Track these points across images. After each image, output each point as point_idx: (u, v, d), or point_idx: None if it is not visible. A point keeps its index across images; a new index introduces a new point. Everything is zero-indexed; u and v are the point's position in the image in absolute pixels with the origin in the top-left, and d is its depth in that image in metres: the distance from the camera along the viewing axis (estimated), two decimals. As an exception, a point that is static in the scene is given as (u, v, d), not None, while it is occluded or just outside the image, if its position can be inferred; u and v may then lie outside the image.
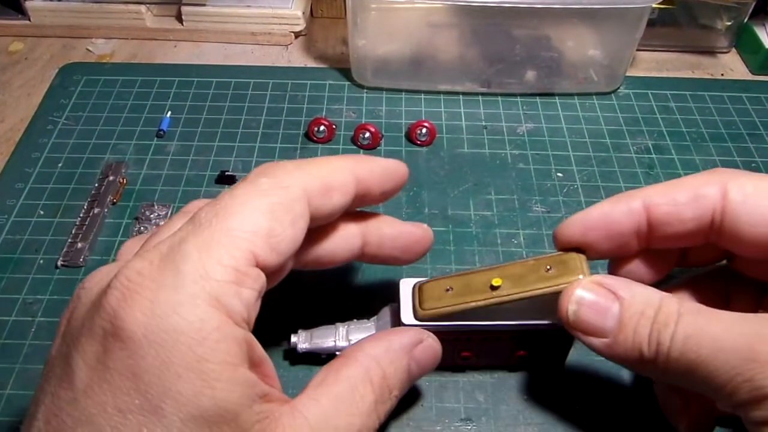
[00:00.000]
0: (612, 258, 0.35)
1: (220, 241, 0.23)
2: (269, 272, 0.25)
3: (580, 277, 0.33)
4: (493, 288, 0.35)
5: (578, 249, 0.35)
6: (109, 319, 0.22)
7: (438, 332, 0.37)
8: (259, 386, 0.23)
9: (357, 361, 0.28)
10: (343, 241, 0.32)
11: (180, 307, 0.22)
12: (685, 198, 0.30)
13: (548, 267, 0.35)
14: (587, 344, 0.31)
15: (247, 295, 0.23)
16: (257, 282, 0.24)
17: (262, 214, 0.24)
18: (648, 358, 0.28)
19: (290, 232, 0.25)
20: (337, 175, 0.28)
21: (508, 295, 0.34)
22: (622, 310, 0.29)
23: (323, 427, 0.25)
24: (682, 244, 0.32)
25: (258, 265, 0.24)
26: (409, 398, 0.40)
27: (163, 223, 0.50)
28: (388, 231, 0.34)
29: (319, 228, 0.30)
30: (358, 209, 0.34)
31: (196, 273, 0.22)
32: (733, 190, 0.29)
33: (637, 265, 0.34)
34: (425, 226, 0.36)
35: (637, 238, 0.33)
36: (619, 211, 0.32)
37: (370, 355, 0.28)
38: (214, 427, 0.21)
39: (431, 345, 0.32)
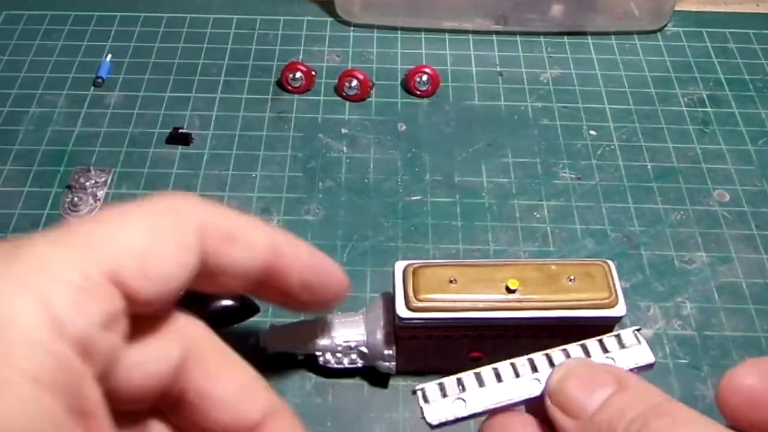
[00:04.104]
0: None
1: (73, 243, 0.22)
2: (135, 302, 0.23)
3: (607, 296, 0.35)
4: (510, 291, 0.36)
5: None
6: None
7: (442, 326, 0.36)
8: None
9: None
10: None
11: None
12: None
13: (571, 277, 0.36)
14: None
15: (91, 310, 0.21)
16: (112, 302, 0.22)
17: (139, 231, 0.24)
18: None
19: (173, 262, 0.24)
20: (249, 231, 0.27)
21: (529, 302, 0.35)
22: None
23: None
24: None
25: (118, 286, 0.23)
26: (405, 408, 0.40)
27: (101, 192, 0.49)
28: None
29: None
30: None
31: (33, 263, 0.21)
32: None
33: None
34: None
35: None
36: None
37: None
38: None
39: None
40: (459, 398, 0.31)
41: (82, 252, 0.22)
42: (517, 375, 0.31)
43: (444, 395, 0.31)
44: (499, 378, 0.31)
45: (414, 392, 0.31)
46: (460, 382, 0.31)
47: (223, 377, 0.27)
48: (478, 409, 0.30)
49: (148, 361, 0.26)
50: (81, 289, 0.21)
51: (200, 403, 0.26)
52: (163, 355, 0.26)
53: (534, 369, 0.31)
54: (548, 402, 0.29)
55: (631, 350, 0.32)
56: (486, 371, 0.31)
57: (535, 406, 0.31)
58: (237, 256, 0.26)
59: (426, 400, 0.30)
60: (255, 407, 0.27)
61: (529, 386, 0.31)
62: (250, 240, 0.27)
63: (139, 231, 0.24)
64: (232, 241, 0.26)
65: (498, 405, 0.30)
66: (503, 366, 0.31)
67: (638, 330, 0.32)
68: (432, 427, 0.31)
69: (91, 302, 0.22)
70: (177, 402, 0.27)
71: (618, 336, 0.32)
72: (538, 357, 0.31)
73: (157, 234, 0.24)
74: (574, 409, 0.28)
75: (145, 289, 0.23)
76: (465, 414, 0.30)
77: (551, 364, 0.31)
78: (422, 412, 0.30)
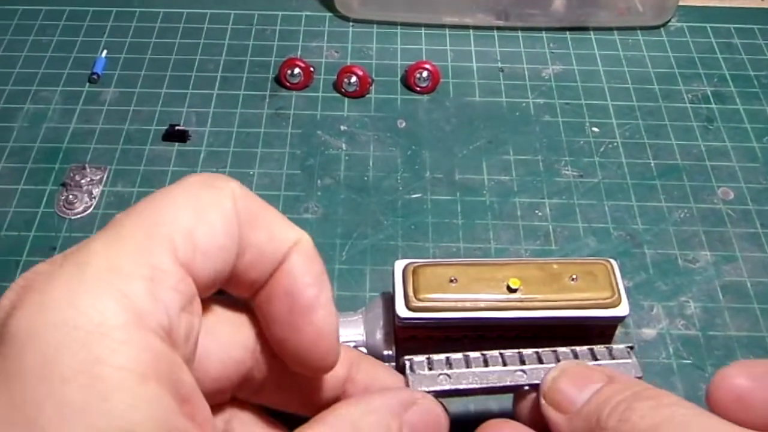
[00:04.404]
0: None
1: (132, 234, 0.23)
2: (196, 279, 0.24)
3: (609, 295, 0.35)
4: (511, 290, 0.35)
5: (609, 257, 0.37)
6: None
7: (442, 327, 0.36)
8: (180, 422, 0.21)
9: (327, 426, 0.27)
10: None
11: (77, 298, 0.21)
12: None
13: (573, 276, 0.36)
14: None
15: (166, 296, 0.22)
16: (182, 283, 0.23)
17: (183, 208, 0.24)
18: None
19: (220, 232, 0.25)
20: (276, 221, 0.26)
21: (531, 302, 0.35)
22: None
23: None
24: None
25: (184, 266, 0.23)
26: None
27: (96, 190, 0.49)
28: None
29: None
30: None
31: (101, 265, 0.22)
32: None
33: None
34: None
35: None
36: None
37: (345, 419, 0.27)
38: None
39: (430, 409, 0.30)
40: (444, 374, 0.31)
41: (141, 242, 0.23)
42: (504, 364, 0.32)
43: (430, 369, 0.32)
44: (486, 363, 0.32)
45: (402, 362, 0.32)
46: (448, 360, 0.32)
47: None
48: (461, 386, 0.31)
49: (221, 350, 0.27)
50: (152, 278, 0.22)
51: (294, 379, 0.27)
52: (235, 340, 0.27)
53: (522, 362, 0.32)
54: (543, 402, 0.30)
55: (619, 362, 0.32)
56: (474, 355, 0.32)
57: (527, 415, 0.31)
58: (257, 242, 0.26)
59: (412, 369, 0.31)
60: (340, 364, 0.28)
61: (513, 376, 0.31)
62: (275, 230, 0.26)
63: (185, 209, 0.24)
64: (255, 224, 0.26)
65: (481, 386, 0.31)
66: (492, 353, 0.32)
67: (631, 348, 0.33)
68: None
69: (165, 289, 0.22)
70: (262, 386, 0.27)
71: (609, 348, 0.32)
72: (528, 352, 0.32)
73: (202, 209, 0.24)
74: (566, 405, 0.29)
75: (202, 263, 0.24)
76: (447, 388, 0.31)
77: (539, 360, 0.32)
78: (407, 381, 0.31)
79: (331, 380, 0.29)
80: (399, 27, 0.60)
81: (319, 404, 0.29)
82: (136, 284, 0.22)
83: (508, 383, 0.31)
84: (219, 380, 0.26)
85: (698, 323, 0.43)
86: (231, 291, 0.26)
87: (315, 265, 0.27)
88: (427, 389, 0.31)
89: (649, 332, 0.43)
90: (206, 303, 0.26)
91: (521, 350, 0.32)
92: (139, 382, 0.20)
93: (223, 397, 0.27)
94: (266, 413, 0.29)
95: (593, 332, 0.38)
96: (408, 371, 0.32)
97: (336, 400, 0.29)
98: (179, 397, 0.22)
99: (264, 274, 0.26)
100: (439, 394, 0.31)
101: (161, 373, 0.21)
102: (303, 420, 0.26)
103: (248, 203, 0.26)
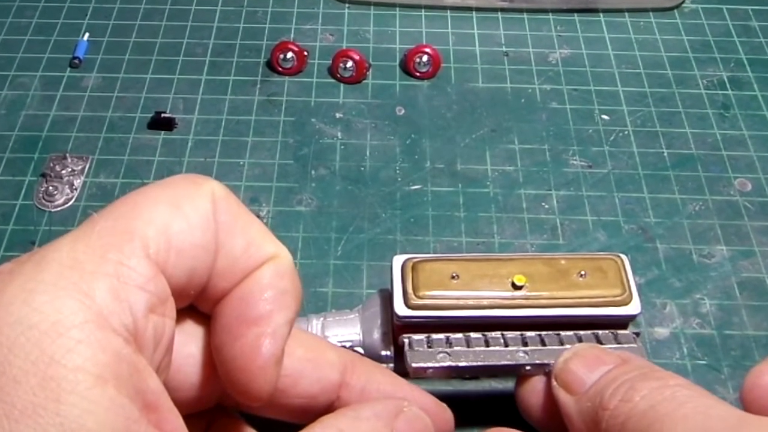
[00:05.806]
0: None
1: (102, 231, 0.23)
2: (170, 279, 0.24)
3: (620, 293, 0.35)
4: (516, 287, 0.35)
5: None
6: None
7: (443, 325, 0.36)
8: (142, 430, 0.21)
9: None
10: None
11: (33, 296, 0.21)
12: None
13: (582, 272, 0.36)
14: None
15: (132, 296, 0.22)
16: (152, 283, 0.23)
17: (159, 203, 0.24)
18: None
19: (197, 227, 0.25)
20: (256, 229, 0.26)
21: (537, 299, 0.35)
22: None
23: None
24: None
25: (157, 265, 0.23)
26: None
27: (78, 181, 0.49)
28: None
29: None
30: None
31: (63, 262, 0.22)
32: None
33: None
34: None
35: None
36: None
37: (334, 427, 0.27)
38: None
39: (417, 415, 0.30)
40: (443, 352, 0.33)
41: (110, 238, 0.23)
42: (506, 345, 0.33)
43: (429, 347, 0.33)
44: (487, 344, 0.33)
45: (401, 341, 0.34)
46: (447, 339, 0.33)
47: (295, 352, 0.28)
48: (461, 365, 0.33)
49: (203, 357, 0.26)
50: (117, 276, 0.22)
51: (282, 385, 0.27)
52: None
53: (524, 344, 0.33)
54: (554, 383, 0.31)
55: (624, 347, 0.33)
56: (475, 335, 0.34)
57: (529, 399, 0.33)
58: (232, 249, 0.26)
59: (411, 347, 0.33)
60: (333, 369, 0.29)
61: (515, 356, 0.33)
62: (253, 240, 0.26)
63: (161, 204, 0.24)
64: (233, 230, 0.26)
65: (480, 364, 0.33)
66: (493, 335, 0.34)
67: (637, 334, 0.33)
68: (410, 369, 0.33)
69: (131, 288, 0.22)
70: None
71: (615, 333, 0.33)
72: (530, 334, 0.33)
73: (178, 203, 0.24)
74: (576, 387, 0.30)
75: (177, 262, 0.24)
76: (446, 365, 0.33)
77: (542, 342, 0.33)
78: (405, 358, 0.33)
79: (324, 386, 0.29)
80: (397, 8, 0.60)
81: (311, 412, 0.29)
82: (98, 282, 0.22)
83: (509, 362, 0.32)
84: (200, 387, 0.26)
85: (714, 322, 0.43)
86: (198, 305, 0.26)
87: (284, 284, 0.26)
88: (425, 365, 0.32)
89: (662, 331, 0.43)
90: (186, 308, 0.26)
91: (524, 332, 0.33)
92: (95, 384, 0.20)
93: (206, 405, 0.27)
94: (248, 423, 0.29)
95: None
96: (406, 348, 0.33)
97: (330, 406, 0.29)
98: (143, 403, 0.22)
99: (232, 286, 0.26)
100: (437, 371, 0.32)
101: (121, 376, 0.21)
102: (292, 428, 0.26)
103: (229, 206, 0.26)
